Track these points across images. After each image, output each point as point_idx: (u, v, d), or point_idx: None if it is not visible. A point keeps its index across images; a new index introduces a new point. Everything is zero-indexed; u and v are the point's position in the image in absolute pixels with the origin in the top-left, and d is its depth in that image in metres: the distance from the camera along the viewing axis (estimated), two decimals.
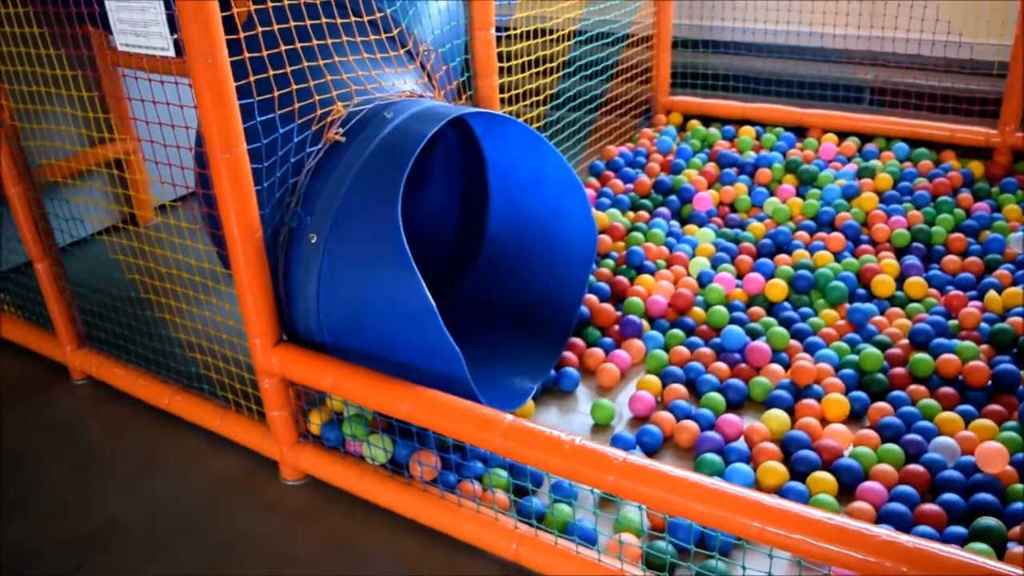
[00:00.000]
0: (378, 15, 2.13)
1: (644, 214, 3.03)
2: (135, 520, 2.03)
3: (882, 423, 2.01)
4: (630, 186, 3.23)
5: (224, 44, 1.66)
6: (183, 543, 1.95)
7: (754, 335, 2.39)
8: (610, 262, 2.77)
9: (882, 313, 2.48)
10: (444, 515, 1.82)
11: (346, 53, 2.04)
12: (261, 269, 1.87)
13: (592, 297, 2.56)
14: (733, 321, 2.47)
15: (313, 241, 1.89)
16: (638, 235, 2.86)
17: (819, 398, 2.12)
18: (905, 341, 2.31)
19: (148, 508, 2.06)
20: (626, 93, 3.65)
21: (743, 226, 2.98)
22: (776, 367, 2.25)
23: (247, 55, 1.79)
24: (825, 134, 3.47)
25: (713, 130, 3.59)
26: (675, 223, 3.02)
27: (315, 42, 1.95)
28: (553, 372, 2.31)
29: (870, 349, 2.22)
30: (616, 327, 2.47)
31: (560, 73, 3.16)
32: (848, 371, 2.21)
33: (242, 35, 1.76)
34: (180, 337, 2.42)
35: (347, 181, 1.90)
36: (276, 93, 1.86)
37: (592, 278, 2.68)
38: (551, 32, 3.01)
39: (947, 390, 2.10)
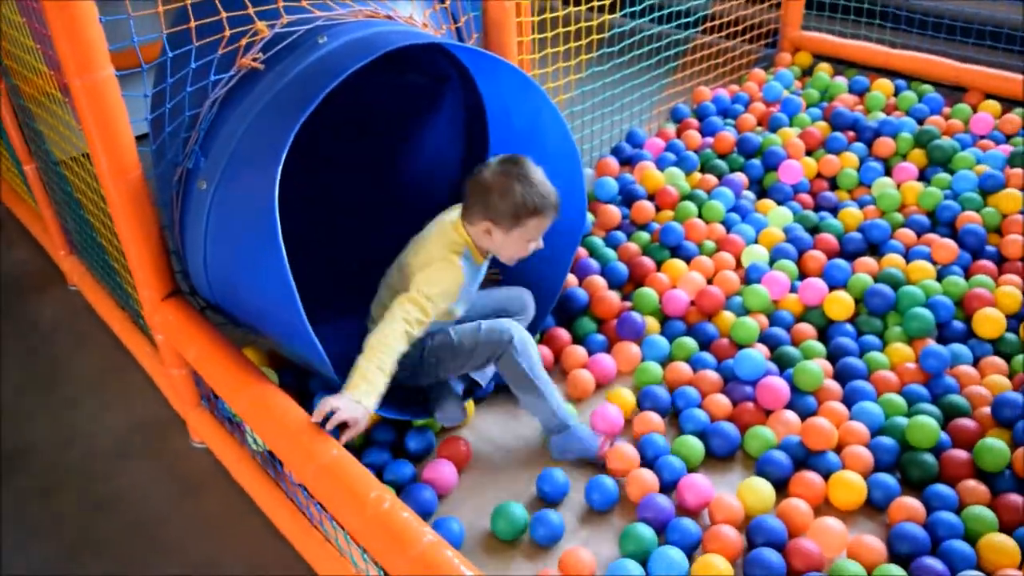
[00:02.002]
0: None
1: (712, 179, 2.47)
2: (46, 451, 1.94)
3: (900, 531, 1.48)
4: (709, 140, 2.65)
5: None
6: (71, 489, 1.83)
7: (782, 365, 1.86)
8: (643, 236, 2.27)
9: (976, 363, 1.86)
10: (301, 532, 1.54)
11: None
12: (142, 214, 1.60)
13: (598, 280, 2.10)
14: (765, 339, 1.94)
15: (203, 188, 1.59)
16: (690, 206, 2.33)
17: (828, 473, 1.60)
18: (987, 411, 1.70)
19: (62, 440, 1.98)
20: (743, 13, 2.99)
21: (836, 210, 2.36)
22: (791, 416, 1.73)
23: None
24: (986, 99, 2.69)
25: (840, 79, 2.88)
26: (749, 195, 2.45)
27: None
28: None
29: (923, 419, 1.64)
30: (615, 322, 2.01)
31: None
32: (887, 440, 1.66)
33: None
34: None
35: (248, 120, 1.56)
36: (187, 2, 1.53)
37: (612, 254, 2.21)
38: None
39: (1017, 500, 1.52)
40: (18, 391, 2.13)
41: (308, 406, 1.75)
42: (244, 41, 1.61)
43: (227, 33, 1.58)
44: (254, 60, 1.61)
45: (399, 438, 1.77)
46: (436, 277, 1.60)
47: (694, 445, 1.68)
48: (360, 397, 1.43)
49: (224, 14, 1.57)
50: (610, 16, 2.57)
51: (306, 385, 1.88)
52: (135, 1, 1.47)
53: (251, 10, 1.60)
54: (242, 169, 1.52)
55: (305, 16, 1.65)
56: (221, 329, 1.66)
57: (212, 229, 1.58)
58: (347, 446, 1.37)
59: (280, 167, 1.41)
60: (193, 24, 1.54)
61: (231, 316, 1.73)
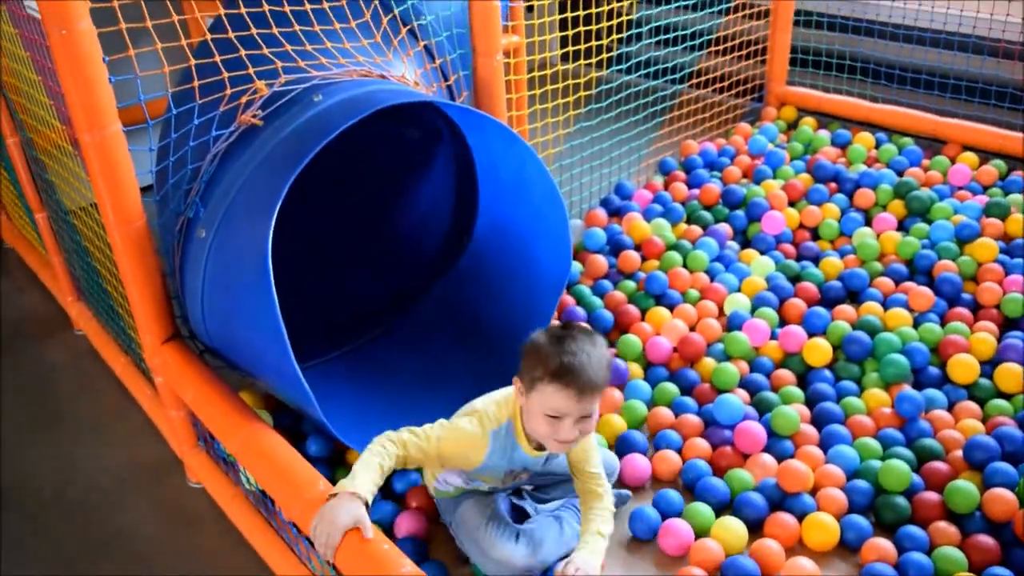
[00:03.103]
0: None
1: (697, 230, 2.55)
2: (47, 487, 2.01)
3: (871, 571, 1.52)
4: (695, 192, 2.74)
5: (84, 12, 1.45)
6: (70, 524, 1.90)
7: (761, 409, 1.92)
8: (629, 285, 2.35)
9: (951, 407, 1.91)
10: (290, 568, 1.59)
11: (291, 24, 1.76)
12: (144, 260, 1.68)
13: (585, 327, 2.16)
14: (745, 385, 2.00)
15: (202, 236, 1.67)
16: (675, 256, 2.40)
17: (803, 515, 1.65)
18: (959, 454, 1.75)
19: (64, 479, 2.04)
20: (730, 70, 3.11)
21: (818, 259, 2.43)
22: (768, 459, 1.79)
23: (150, 23, 1.58)
24: (964, 152, 2.78)
25: (823, 133, 2.98)
26: (733, 245, 2.52)
27: (243, 9, 1.70)
28: None
29: (895, 462, 1.69)
30: None
31: (622, 34, 2.68)
32: (862, 484, 1.71)
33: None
34: None
35: (246, 173, 1.66)
36: (191, 63, 1.64)
37: (599, 302, 2.28)
38: None
39: (987, 542, 1.56)
40: (22, 429, 2.20)
41: (301, 447, 1.83)
42: (244, 99, 1.71)
43: (228, 92, 1.68)
44: (253, 117, 1.71)
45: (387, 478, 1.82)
46: (454, 434, 1.49)
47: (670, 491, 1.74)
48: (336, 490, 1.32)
49: (226, 74, 1.67)
50: (601, 73, 2.69)
51: (300, 427, 1.94)
52: (141, 58, 1.57)
53: (251, 70, 1.70)
54: (239, 219, 1.61)
55: (302, 76, 1.75)
56: (219, 372, 1.73)
57: (210, 276, 1.66)
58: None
59: (274, 218, 1.49)
60: (196, 83, 1.64)
61: (228, 360, 1.80)
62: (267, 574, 1.67)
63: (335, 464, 1.85)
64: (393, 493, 1.80)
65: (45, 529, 1.88)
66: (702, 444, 1.84)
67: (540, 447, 1.51)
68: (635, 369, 2.08)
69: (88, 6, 1.46)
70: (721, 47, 3.06)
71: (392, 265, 2.16)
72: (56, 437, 2.16)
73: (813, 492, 1.71)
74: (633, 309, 2.23)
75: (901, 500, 1.66)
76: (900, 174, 2.72)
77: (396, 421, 1.92)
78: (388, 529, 1.68)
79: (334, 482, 1.39)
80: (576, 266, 2.45)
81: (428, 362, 2.03)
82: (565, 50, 2.56)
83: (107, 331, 2.35)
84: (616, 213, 2.73)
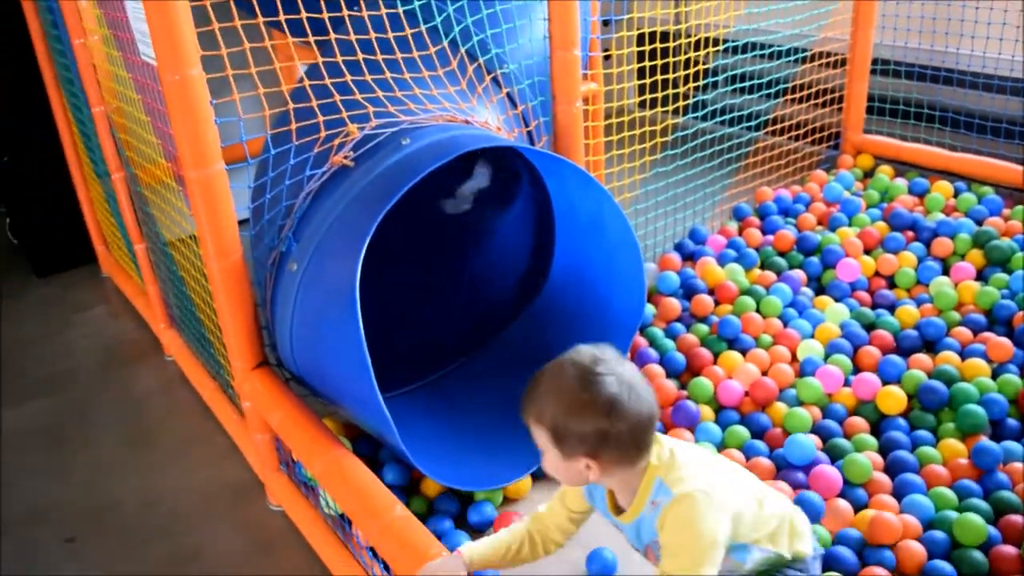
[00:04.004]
0: (459, 45, 1.96)
1: (771, 275, 2.56)
2: (133, 507, 2.10)
3: None
4: (770, 238, 2.75)
5: (196, 59, 1.57)
6: (155, 543, 1.98)
7: (833, 456, 1.91)
8: (702, 329, 2.37)
9: None
10: None
11: (382, 72, 1.87)
12: (240, 290, 1.78)
13: (656, 369, 2.19)
14: (817, 431, 1.99)
15: (293, 269, 1.77)
16: (748, 300, 2.42)
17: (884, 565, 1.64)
18: None
19: (150, 499, 2.13)
20: (807, 118, 3.12)
21: (893, 308, 2.41)
22: (844, 506, 1.77)
23: (254, 69, 1.71)
24: None
25: (900, 181, 2.96)
26: (807, 291, 2.52)
27: (339, 57, 1.81)
28: None
29: (971, 516, 1.66)
30: (671, 410, 2.09)
31: (700, 83, 2.74)
32: (938, 534, 1.68)
33: (247, 46, 1.67)
34: None
35: (336, 211, 1.75)
36: (290, 107, 1.75)
37: (671, 344, 2.30)
38: (684, 35, 2.63)
39: None
40: (113, 450, 2.32)
41: (378, 475, 1.88)
42: (337, 141, 1.81)
43: (323, 134, 1.79)
44: (345, 158, 1.81)
45: (462, 509, 1.87)
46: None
47: None
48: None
49: (321, 117, 1.78)
50: (678, 120, 2.74)
51: (377, 455, 2.00)
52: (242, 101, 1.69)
53: (344, 114, 1.80)
54: (329, 255, 1.70)
55: (391, 120, 1.85)
56: (303, 400, 1.81)
57: (299, 307, 1.75)
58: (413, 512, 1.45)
59: (362, 254, 1.57)
60: (294, 126, 1.76)
61: (312, 388, 1.88)
62: None
63: (411, 493, 1.91)
64: (468, 525, 1.84)
65: (131, 545, 1.97)
66: (781, 484, 1.84)
67: (619, 509, 1.33)
68: (706, 412, 2.09)
69: (199, 53, 1.58)
70: (798, 95, 3.08)
71: (472, 302, 2.22)
72: (145, 458, 2.28)
73: (892, 544, 1.69)
74: (705, 352, 2.25)
75: (979, 555, 1.63)
76: (979, 223, 2.68)
77: (470, 453, 1.99)
78: None
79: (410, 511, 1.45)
80: (649, 308, 2.48)
81: (504, 397, 2.06)
82: (643, 98, 2.62)
83: (196, 357, 2.47)
84: (690, 257, 2.76)
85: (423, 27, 1.91)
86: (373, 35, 1.83)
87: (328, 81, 1.80)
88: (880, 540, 1.68)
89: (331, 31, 1.79)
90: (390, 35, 1.85)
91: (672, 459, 1.26)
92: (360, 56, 1.83)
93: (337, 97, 1.79)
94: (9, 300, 3.25)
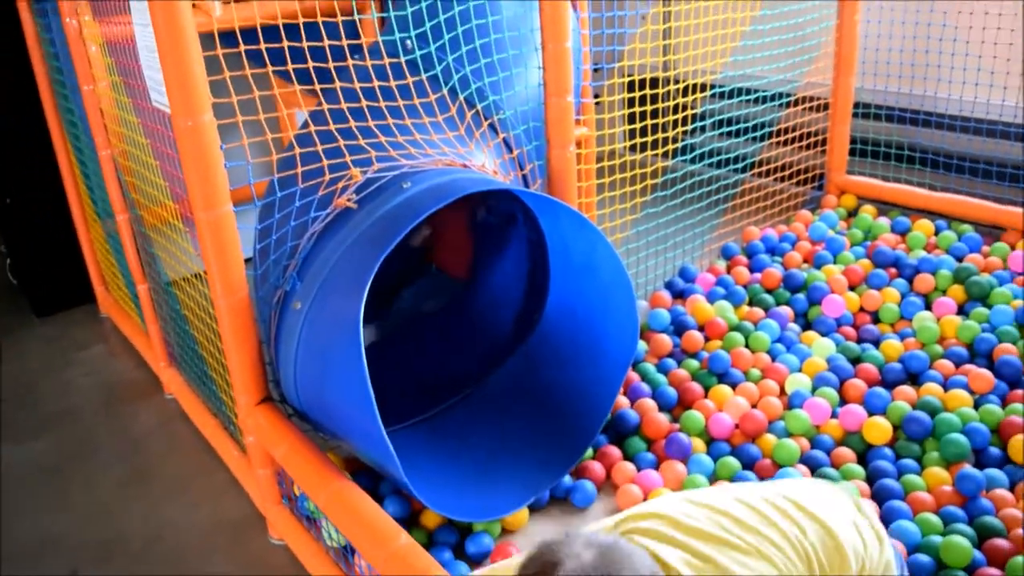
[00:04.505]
0: (458, 92, 2.05)
1: (759, 312, 2.64)
2: (136, 541, 2.13)
3: None
4: (757, 276, 2.83)
5: (207, 106, 1.65)
6: None
7: None
8: (693, 364, 2.43)
9: (1012, 487, 1.93)
10: None
11: (384, 117, 1.95)
12: (245, 327, 1.84)
13: (649, 403, 2.25)
14: (805, 461, 2.05)
15: (297, 308, 1.83)
16: (737, 336, 2.49)
17: None
18: (1021, 532, 1.77)
19: (153, 533, 2.16)
20: (792, 160, 3.23)
21: (878, 342, 2.49)
22: None
23: (263, 116, 1.79)
24: None
25: (883, 220, 3.06)
26: (795, 327, 2.60)
27: (344, 105, 1.89)
28: (570, 479, 2.05)
29: (957, 538, 1.72)
30: (664, 442, 2.15)
31: (688, 127, 2.84)
32: (924, 558, 1.74)
33: (256, 94, 1.75)
34: None
35: (340, 251, 1.82)
36: (296, 152, 1.83)
37: (663, 379, 2.37)
38: (673, 81, 2.74)
39: None
40: (115, 487, 2.35)
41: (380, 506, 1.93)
42: (340, 184, 1.89)
43: (326, 177, 1.87)
44: (348, 200, 1.89)
45: (461, 540, 1.91)
46: None
47: None
48: None
49: (325, 161, 1.85)
50: (667, 162, 2.83)
51: (378, 489, 2.05)
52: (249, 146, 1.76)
53: (348, 158, 1.88)
54: (333, 294, 1.76)
55: (393, 164, 1.92)
56: (306, 434, 1.86)
57: (303, 344, 1.81)
58: None
59: (365, 293, 1.64)
60: (299, 169, 1.83)
61: (315, 423, 1.93)
62: None
63: (411, 525, 1.95)
64: (465, 555, 1.88)
65: None
66: None
67: None
68: (698, 444, 2.15)
69: (211, 101, 1.66)
70: (783, 138, 3.19)
71: (472, 339, 2.29)
72: (146, 494, 2.30)
73: None
74: (696, 387, 2.31)
75: (962, 575, 1.69)
76: (960, 260, 2.77)
77: (469, 485, 2.03)
78: None
79: None
80: (641, 345, 2.55)
81: (501, 431, 2.13)
82: (633, 142, 2.72)
83: (197, 395, 2.51)
84: (680, 295, 2.84)
85: (423, 75, 2.00)
86: (376, 83, 1.92)
87: (332, 127, 1.88)
88: None
89: (335, 78, 1.88)
90: (392, 83, 1.94)
91: None
92: (363, 103, 1.91)
93: (341, 142, 1.87)
94: (9, 339, 3.29)
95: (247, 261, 1.85)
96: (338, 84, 1.88)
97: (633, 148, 2.80)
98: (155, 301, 2.66)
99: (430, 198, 1.78)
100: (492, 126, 2.18)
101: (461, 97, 2.07)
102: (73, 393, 2.87)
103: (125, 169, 2.50)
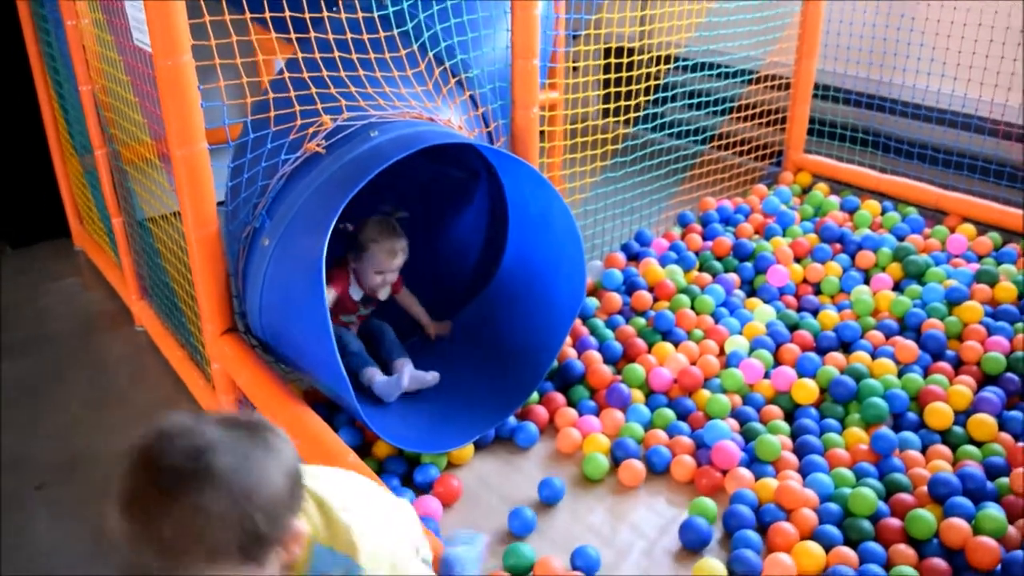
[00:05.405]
0: (428, 49, 2.14)
1: (707, 277, 2.78)
2: (100, 460, 2.23)
3: (835, 572, 1.70)
4: (709, 244, 2.97)
5: (187, 47, 1.73)
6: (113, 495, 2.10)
7: (748, 437, 2.12)
8: (640, 321, 2.57)
9: (924, 449, 2.09)
10: None
11: (356, 69, 2.04)
12: (214, 260, 1.95)
13: (595, 355, 2.39)
14: (736, 416, 2.20)
15: (265, 244, 1.93)
16: (684, 298, 2.63)
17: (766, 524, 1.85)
18: (924, 490, 1.93)
19: (116, 452, 2.22)
20: (753, 135, 3.36)
21: (817, 312, 2.64)
22: (745, 473, 1.99)
23: (239, 60, 1.87)
24: (963, 223, 2.98)
25: (834, 198, 3.20)
26: (740, 293, 2.74)
27: (317, 55, 1.98)
28: (515, 421, 2.19)
29: (863, 489, 1.88)
30: (605, 392, 2.29)
31: (652, 96, 2.95)
32: (834, 507, 1.89)
33: (234, 39, 1.84)
34: None
35: (307, 193, 1.92)
36: (269, 96, 1.92)
37: (611, 334, 2.50)
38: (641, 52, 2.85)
39: (940, 565, 1.74)
40: (82, 410, 2.45)
41: None
42: (311, 130, 1.98)
43: (298, 122, 1.96)
44: (318, 146, 1.98)
45: (409, 470, 2.05)
46: None
47: None
48: None
49: (297, 107, 1.95)
50: (631, 129, 2.95)
51: (333, 420, 2.17)
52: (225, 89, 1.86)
53: (319, 105, 1.98)
54: (298, 232, 1.86)
55: (362, 114, 2.02)
56: (268, 366, 1.97)
57: (269, 278, 1.91)
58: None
59: (329, 232, 1.74)
60: (272, 113, 1.93)
61: (276, 353, 2.05)
62: None
63: (363, 454, 2.08)
64: (413, 483, 2.01)
65: (98, 494, 2.07)
66: (687, 462, 2.04)
67: None
68: (637, 395, 2.29)
69: (191, 43, 1.74)
70: (744, 114, 3.31)
71: (430, 287, 2.40)
72: (113, 418, 2.40)
73: (789, 511, 1.90)
74: (641, 342, 2.45)
75: (866, 523, 1.84)
76: (901, 240, 2.93)
77: (422, 420, 2.16)
78: None
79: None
80: (593, 302, 2.68)
81: (454, 375, 2.24)
82: (604, 106, 2.82)
83: (167, 327, 2.61)
84: (635, 258, 2.97)
85: (395, 31, 2.09)
86: (349, 35, 2.01)
87: (305, 75, 1.97)
88: (782, 504, 1.89)
89: (311, 29, 1.97)
90: (364, 36, 2.03)
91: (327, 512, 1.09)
92: (336, 53, 2.00)
93: (313, 89, 1.97)
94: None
95: (219, 203, 1.94)
96: (312, 35, 1.96)
97: (604, 113, 2.91)
98: (129, 235, 2.74)
99: (395, 147, 1.89)
100: (460, 83, 2.28)
101: (431, 54, 2.17)
102: (47, 322, 2.95)
103: (105, 105, 2.57)
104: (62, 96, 3.05)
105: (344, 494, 1.13)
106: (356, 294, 2.26)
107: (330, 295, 2.16)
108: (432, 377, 2.20)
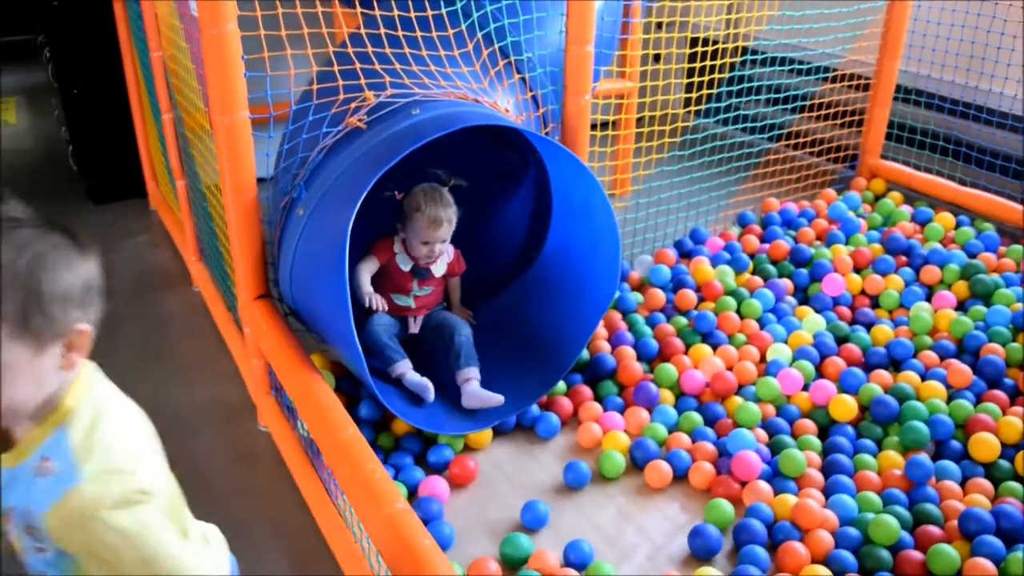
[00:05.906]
0: (477, 28, 2.14)
1: (758, 280, 2.68)
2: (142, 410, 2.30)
3: None
4: (765, 247, 2.87)
5: (233, 17, 1.77)
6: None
7: (775, 450, 2.04)
8: (681, 321, 2.51)
9: (964, 481, 1.97)
10: (320, 506, 1.84)
11: (402, 47, 2.05)
12: (250, 227, 1.99)
13: (628, 351, 2.34)
14: (766, 426, 2.13)
15: (300, 215, 1.97)
16: (730, 300, 2.55)
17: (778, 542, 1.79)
18: (955, 523, 1.83)
19: (154, 405, 2.26)
20: (827, 136, 3.22)
21: (871, 326, 2.52)
22: (765, 487, 1.92)
23: (284, 32, 1.90)
24: None
25: (905, 208, 3.04)
26: (791, 300, 2.64)
27: (362, 30, 2.00)
28: (537, 410, 2.17)
29: (886, 517, 1.78)
30: (633, 389, 2.24)
31: (713, 90, 2.86)
32: (853, 531, 1.81)
33: (280, 10, 1.87)
34: None
35: (343, 166, 1.94)
36: (312, 71, 1.94)
37: (648, 331, 2.45)
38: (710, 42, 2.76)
39: None
40: (130, 361, 2.54)
41: (354, 410, 2.08)
42: (353, 105, 2.00)
43: (341, 97, 1.98)
44: (359, 120, 2.00)
45: (424, 450, 2.05)
46: None
47: None
48: None
49: (341, 82, 1.97)
50: (705, 120, 2.87)
51: (357, 392, 2.19)
52: (275, 61, 1.89)
53: (363, 81, 1.99)
54: (330, 205, 1.89)
55: (405, 91, 2.03)
56: (297, 334, 2.00)
57: (300, 249, 1.95)
58: (377, 447, 1.64)
59: (357, 206, 1.75)
60: (316, 87, 1.95)
61: (306, 323, 2.08)
62: (302, 507, 1.92)
63: (381, 429, 2.10)
64: (426, 463, 2.02)
65: None
66: (706, 468, 1.98)
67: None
68: (667, 395, 2.24)
69: (236, 12, 1.78)
70: (819, 113, 3.18)
71: (469, 268, 2.38)
72: (158, 371, 2.50)
73: (804, 531, 1.82)
74: (678, 342, 2.39)
75: (885, 552, 1.75)
76: (972, 256, 2.76)
77: (442, 402, 2.16)
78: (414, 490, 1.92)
79: (375, 444, 1.64)
80: (637, 297, 2.63)
81: (482, 357, 2.24)
82: (687, 96, 2.77)
83: (217, 289, 2.69)
84: (687, 255, 2.90)
85: (443, 9, 2.09)
86: (396, 12, 2.01)
87: (351, 50, 1.99)
88: (798, 522, 1.81)
89: (370, 4, 1.98)
90: (412, 13, 2.03)
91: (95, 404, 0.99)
92: (383, 31, 2.01)
93: (358, 66, 1.98)
94: (64, 221, 3.52)
95: (261, 180, 1.97)
96: (376, 10, 1.97)
97: (685, 104, 2.85)
98: (190, 199, 2.83)
99: (434, 126, 1.88)
100: (511, 65, 2.26)
101: (479, 34, 2.15)
102: (113, 275, 3.05)
103: (172, 71, 2.65)
104: (144, 62, 3.16)
105: (132, 437, 1.02)
106: (404, 264, 2.20)
107: (372, 264, 2.17)
108: (497, 400, 2.07)
